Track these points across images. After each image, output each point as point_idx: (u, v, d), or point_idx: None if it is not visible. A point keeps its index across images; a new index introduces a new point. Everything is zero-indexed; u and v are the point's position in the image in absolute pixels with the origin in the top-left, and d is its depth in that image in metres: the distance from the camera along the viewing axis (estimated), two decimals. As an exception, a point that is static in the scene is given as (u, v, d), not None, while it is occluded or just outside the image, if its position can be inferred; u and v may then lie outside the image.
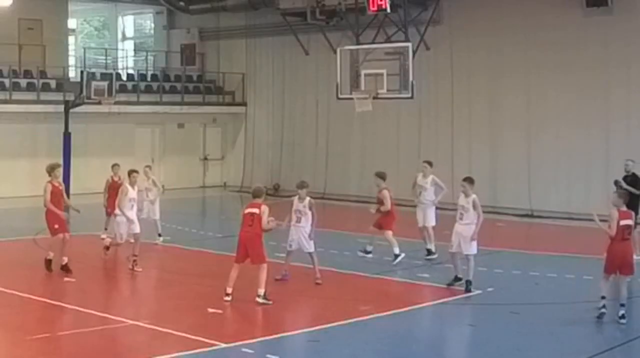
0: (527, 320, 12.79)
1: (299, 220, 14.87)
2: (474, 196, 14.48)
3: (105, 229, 19.52)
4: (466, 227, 14.36)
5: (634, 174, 17.67)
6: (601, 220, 12.80)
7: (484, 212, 23.29)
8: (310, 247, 14.90)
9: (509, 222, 24.23)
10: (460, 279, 14.57)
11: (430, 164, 18.19)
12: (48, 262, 15.62)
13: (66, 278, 15.28)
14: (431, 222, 17.78)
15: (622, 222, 12.43)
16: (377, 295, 14.37)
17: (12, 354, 10.66)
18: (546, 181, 25.11)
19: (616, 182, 17.65)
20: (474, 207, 14.37)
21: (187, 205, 28.09)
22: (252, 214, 13.31)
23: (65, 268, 15.44)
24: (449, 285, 14.59)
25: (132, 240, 16.29)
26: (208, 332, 11.44)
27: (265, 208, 13.34)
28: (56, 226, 15.59)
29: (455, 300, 13.87)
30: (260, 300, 13.14)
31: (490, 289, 14.67)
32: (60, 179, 16.30)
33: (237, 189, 32.35)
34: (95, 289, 14.76)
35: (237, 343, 10.97)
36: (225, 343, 10.99)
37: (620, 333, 12.12)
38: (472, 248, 14.37)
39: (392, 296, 14.27)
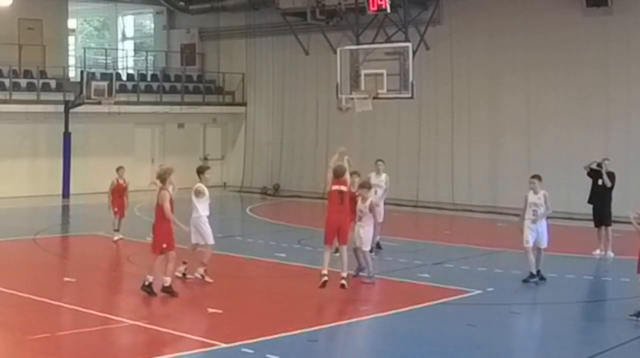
0: (527, 320, 12.79)
1: (360, 219, 14.65)
2: (543, 191, 15.16)
3: (116, 230, 19.05)
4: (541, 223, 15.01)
5: (609, 172, 17.94)
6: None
7: (483, 212, 23.48)
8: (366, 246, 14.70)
9: (509, 222, 24.20)
10: (535, 276, 14.98)
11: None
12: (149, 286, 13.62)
13: (66, 278, 15.28)
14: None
15: None
16: (377, 295, 14.37)
17: (12, 354, 10.65)
18: (546, 181, 24.99)
19: (599, 165, 18.09)
20: (545, 201, 15.00)
21: (187, 205, 28.03)
22: (341, 192, 13.37)
23: (167, 290, 13.59)
24: (524, 281, 14.97)
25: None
26: (208, 332, 11.44)
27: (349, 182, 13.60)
28: (164, 245, 13.65)
29: (455, 300, 13.87)
30: (345, 282, 13.34)
31: (490, 289, 14.67)
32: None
33: (237, 189, 32.33)
34: (95, 289, 14.74)
35: (237, 343, 10.96)
36: (225, 343, 10.98)
37: (620, 334, 12.11)
38: (544, 242, 15.02)
39: (392, 296, 14.27)
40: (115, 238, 18.91)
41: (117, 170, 19.54)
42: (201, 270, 14.69)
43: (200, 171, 15.14)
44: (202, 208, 14.72)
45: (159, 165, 17.58)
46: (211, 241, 14.70)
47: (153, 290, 13.49)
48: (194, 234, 14.70)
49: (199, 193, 14.75)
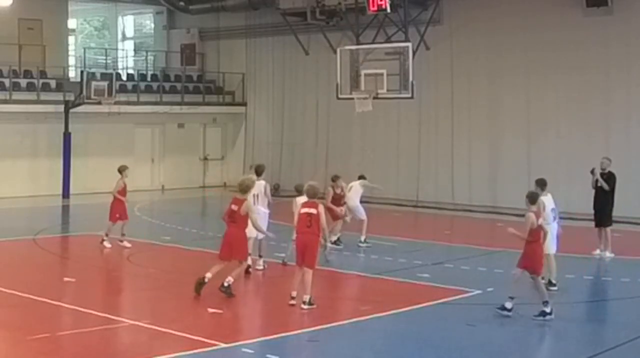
0: (527, 320, 12.79)
1: None
2: (540, 198, 14.09)
3: (123, 234, 18.33)
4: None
5: (609, 172, 17.90)
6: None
7: (483, 212, 23.46)
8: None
9: (509, 222, 24.20)
10: (551, 283, 14.57)
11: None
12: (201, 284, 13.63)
13: (66, 278, 15.29)
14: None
15: (539, 221, 12.73)
16: (377, 295, 14.36)
17: (12, 354, 10.66)
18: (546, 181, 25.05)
19: (592, 171, 18.03)
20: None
21: (187, 205, 28.07)
22: (310, 215, 12.99)
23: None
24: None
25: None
26: (208, 332, 11.44)
27: (322, 208, 13.19)
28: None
29: (455, 300, 13.87)
30: (305, 306, 12.88)
31: (490, 289, 14.66)
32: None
33: (237, 189, 32.30)
34: (95, 289, 14.75)
35: (237, 343, 10.97)
36: (225, 343, 10.99)
37: (620, 334, 12.12)
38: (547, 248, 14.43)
39: (392, 296, 14.26)
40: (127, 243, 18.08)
41: (124, 170, 18.42)
42: (261, 261, 15.89)
43: (262, 171, 16.42)
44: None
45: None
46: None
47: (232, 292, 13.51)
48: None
49: (267, 191, 16.09)
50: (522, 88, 25.79)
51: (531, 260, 12.67)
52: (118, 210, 18.22)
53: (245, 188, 13.96)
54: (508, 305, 12.53)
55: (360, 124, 28.54)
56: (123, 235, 18.20)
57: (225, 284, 13.42)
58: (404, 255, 17.77)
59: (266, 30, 31.76)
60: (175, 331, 11.50)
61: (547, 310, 12.45)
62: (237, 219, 13.66)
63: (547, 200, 14.50)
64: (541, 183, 14.68)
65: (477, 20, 26.51)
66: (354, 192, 19.15)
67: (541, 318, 12.42)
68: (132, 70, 35.21)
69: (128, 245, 18.07)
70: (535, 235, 12.63)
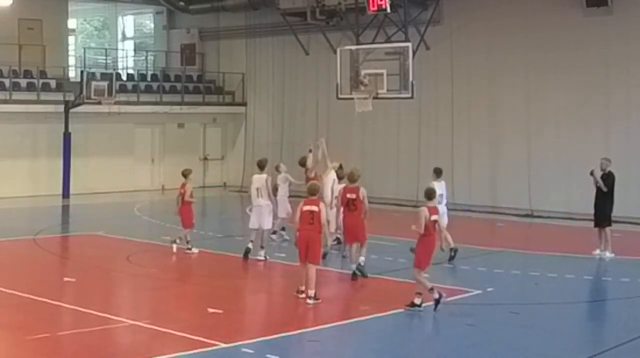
0: (527, 320, 12.79)
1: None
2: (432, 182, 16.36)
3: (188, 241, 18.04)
4: None
5: (609, 172, 17.87)
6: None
7: (483, 212, 23.66)
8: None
9: (509, 222, 24.24)
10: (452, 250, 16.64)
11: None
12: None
13: (66, 278, 15.30)
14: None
15: (433, 218, 12.87)
16: (377, 295, 14.37)
17: (12, 354, 10.66)
18: (546, 181, 25.09)
19: (592, 172, 18.01)
20: None
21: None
22: (312, 212, 13.32)
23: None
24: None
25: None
26: (208, 332, 11.44)
27: (323, 206, 13.57)
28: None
29: (455, 300, 13.85)
30: (310, 301, 13.09)
31: (490, 289, 14.67)
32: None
33: (237, 189, 32.33)
34: (95, 289, 14.75)
35: (237, 343, 10.97)
36: (225, 343, 10.99)
37: (620, 333, 12.12)
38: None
39: (392, 296, 14.26)
40: (194, 251, 17.72)
41: (189, 173, 18.44)
42: (262, 252, 16.80)
43: (264, 165, 17.70)
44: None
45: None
46: (269, 226, 17.23)
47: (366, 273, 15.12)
48: (259, 220, 16.93)
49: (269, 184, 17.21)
50: (522, 88, 25.78)
51: (419, 254, 12.93)
52: (191, 215, 17.96)
53: (357, 177, 15.29)
54: (436, 294, 12.78)
55: (360, 124, 28.53)
56: (181, 239, 17.79)
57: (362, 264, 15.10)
58: (404, 255, 17.73)
59: (266, 30, 31.76)
60: (175, 331, 11.51)
61: (417, 302, 12.78)
62: (357, 206, 15.04)
63: (437, 185, 15.82)
64: (436, 171, 17.29)
65: (477, 20, 26.51)
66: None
67: (410, 309, 12.74)
68: (132, 70, 35.22)
69: (176, 249, 17.62)
70: (428, 229, 12.81)
